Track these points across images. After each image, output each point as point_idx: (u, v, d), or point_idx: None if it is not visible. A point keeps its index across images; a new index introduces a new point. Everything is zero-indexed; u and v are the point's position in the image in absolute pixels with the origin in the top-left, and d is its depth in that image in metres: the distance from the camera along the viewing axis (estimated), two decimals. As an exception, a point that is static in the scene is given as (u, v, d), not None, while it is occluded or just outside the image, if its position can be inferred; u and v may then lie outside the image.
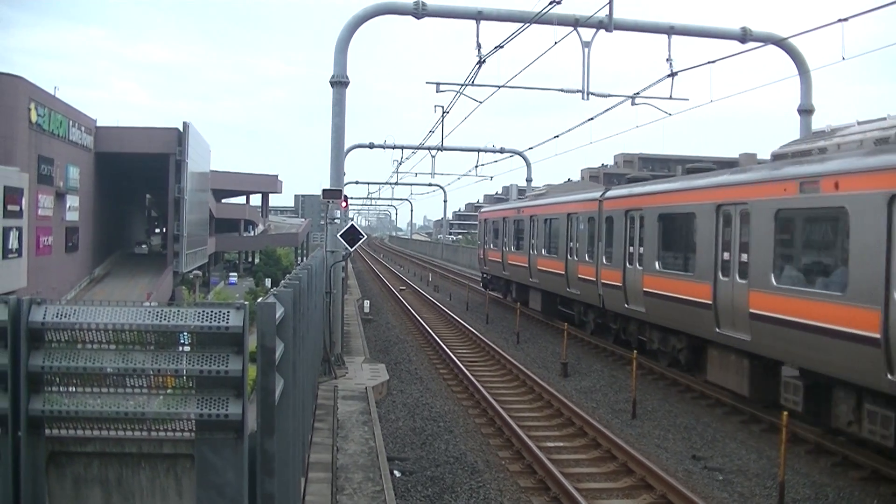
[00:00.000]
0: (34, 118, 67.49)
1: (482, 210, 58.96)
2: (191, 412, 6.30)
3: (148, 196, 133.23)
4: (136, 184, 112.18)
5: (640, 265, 27.13)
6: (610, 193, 31.12)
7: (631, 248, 28.02)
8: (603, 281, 30.66)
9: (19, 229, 58.59)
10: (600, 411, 22.51)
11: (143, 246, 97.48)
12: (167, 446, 6.88)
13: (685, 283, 23.51)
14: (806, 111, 31.41)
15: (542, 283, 39.48)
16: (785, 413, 15.78)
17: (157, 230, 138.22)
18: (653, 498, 15.49)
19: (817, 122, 30.20)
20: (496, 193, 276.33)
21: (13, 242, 57.20)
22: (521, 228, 43.50)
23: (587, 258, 32.52)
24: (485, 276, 55.55)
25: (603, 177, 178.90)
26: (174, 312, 6.36)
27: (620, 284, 28.63)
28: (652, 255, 26.19)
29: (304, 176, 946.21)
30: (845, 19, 20.45)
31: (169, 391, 6.57)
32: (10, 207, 56.33)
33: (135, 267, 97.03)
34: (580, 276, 33.36)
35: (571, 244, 34.88)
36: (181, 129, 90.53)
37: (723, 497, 15.74)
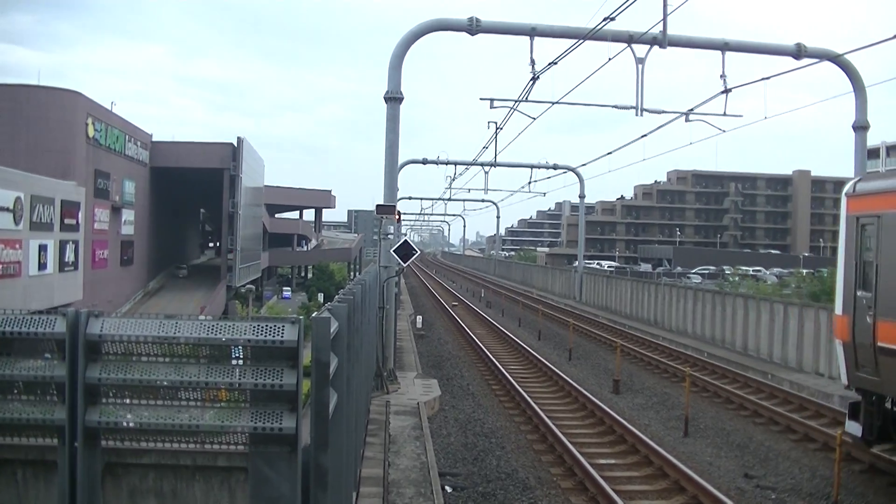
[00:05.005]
0: (91, 133, 68.39)
1: (863, 191, 16.95)
2: (245, 425, 6.33)
3: (202, 210, 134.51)
4: (191, 198, 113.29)
5: None
6: None
7: None
8: None
9: (76, 243, 59.27)
10: (652, 428, 22.37)
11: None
12: (221, 459, 6.93)
13: None
14: (861, 128, 30.97)
15: None
16: (839, 432, 15.61)
17: (211, 244, 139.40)
18: (706, 517, 15.36)
19: (872, 139, 29.85)
20: (549, 210, 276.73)
21: (70, 255, 57.88)
22: None
23: None
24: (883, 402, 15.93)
25: (656, 193, 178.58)
26: (229, 326, 6.39)
27: None
28: None
29: (357, 191, 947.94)
30: (903, 34, 20.26)
31: (222, 404, 6.60)
32: (66, 221, 57.01)
33: (189, 281, 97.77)
34: None
35: None
36: (236, 145, 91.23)
37: (777, 517, 15.59)
